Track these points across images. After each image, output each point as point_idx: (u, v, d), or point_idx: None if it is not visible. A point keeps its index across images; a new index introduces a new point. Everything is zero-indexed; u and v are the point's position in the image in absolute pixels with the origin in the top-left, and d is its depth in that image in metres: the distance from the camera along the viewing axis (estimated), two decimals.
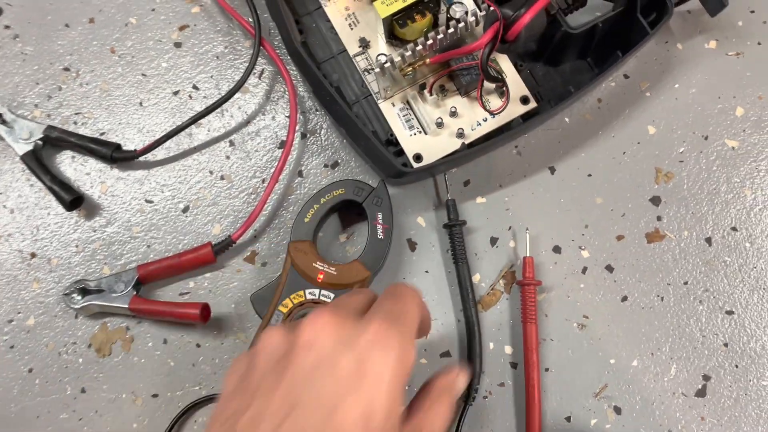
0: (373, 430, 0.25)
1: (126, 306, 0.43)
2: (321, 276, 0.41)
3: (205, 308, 0.43)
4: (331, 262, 0.42)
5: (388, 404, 0.26)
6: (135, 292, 0.43)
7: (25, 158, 0.45)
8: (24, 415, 0.42)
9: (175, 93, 0.47)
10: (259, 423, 0.25)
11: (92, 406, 0.43)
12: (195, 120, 0.45)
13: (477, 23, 0.44)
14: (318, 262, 0.42)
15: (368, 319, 0.27)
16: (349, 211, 0.45)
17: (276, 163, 0.46)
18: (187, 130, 0.46)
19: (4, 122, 0.45)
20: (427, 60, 0.43)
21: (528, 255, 0.44)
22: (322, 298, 0.41)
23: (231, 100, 0.46)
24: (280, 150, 0.47)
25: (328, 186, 0.43)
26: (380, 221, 0.43)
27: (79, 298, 0.43)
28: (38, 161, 0.45)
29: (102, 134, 0.47)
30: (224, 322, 0.44)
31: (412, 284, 0.44)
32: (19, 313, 0.44)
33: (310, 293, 0.41)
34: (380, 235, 0.43)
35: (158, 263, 0.44)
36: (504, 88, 0.44)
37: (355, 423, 0.25)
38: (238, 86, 0.45)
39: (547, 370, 0.43)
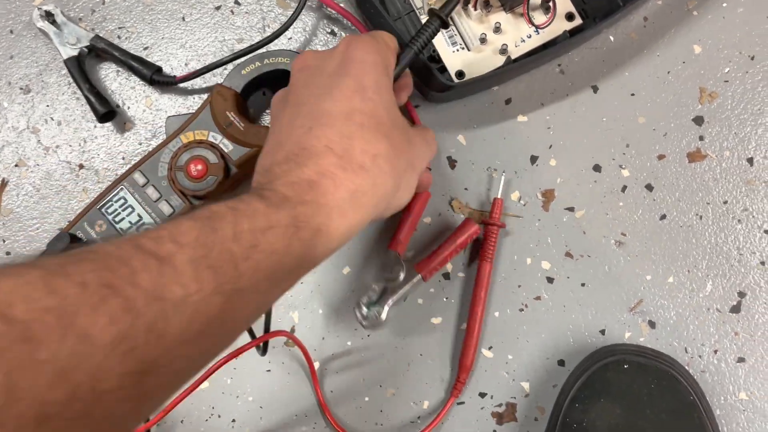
0: (368, 99, 0.32)
1: (418, 280, 0.43)
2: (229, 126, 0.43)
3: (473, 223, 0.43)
4: (245, 118, 0.43)
5: (375, 78, 0.33)
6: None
7: (68, 63, 0.45)
8: None
9: (217, 8, 0.47)
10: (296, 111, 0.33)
11: None
12: (237, 56, 0.44)
13: None
14: (232, 113, 0.43)
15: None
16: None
17: None
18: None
19: (55, 23, 0.46)
20: None
21: (499, 197, 0.44)
22: (221, 144, 0.43)
23: (269, 23, 0.46)
24: None
25: (276, 51, 0.44)
26: None
27: (372, 313, 0.42)
28: (80, 68, 0.45)
29: (146, 49, 0.47)
30: None
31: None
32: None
33: (212, 136, 0.43)
34: None
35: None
36: (550, 3, 0.43)
37: (350, 97, 0.32)
38: (287, 26, 0.44)
39: (583, 285, 0.44)
